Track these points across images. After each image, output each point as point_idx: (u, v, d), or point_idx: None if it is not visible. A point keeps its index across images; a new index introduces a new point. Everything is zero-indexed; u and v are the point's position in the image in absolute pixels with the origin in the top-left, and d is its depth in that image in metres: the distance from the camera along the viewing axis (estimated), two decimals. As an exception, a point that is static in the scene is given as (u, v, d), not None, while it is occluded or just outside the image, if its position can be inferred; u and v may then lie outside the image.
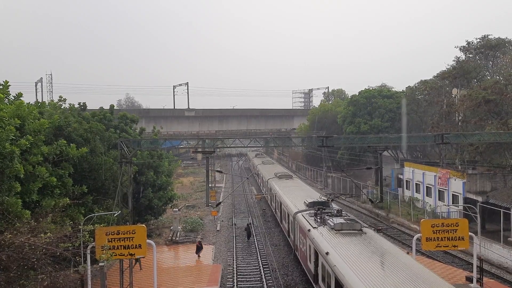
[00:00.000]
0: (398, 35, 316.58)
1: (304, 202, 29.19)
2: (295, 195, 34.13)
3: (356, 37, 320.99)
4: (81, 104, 29.84)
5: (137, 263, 24.40)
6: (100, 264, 17.67)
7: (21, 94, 19.67)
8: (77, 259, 16.30)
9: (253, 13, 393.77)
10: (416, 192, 46.90)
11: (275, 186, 41.18)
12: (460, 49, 54.31)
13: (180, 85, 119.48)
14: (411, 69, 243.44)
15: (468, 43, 53.57)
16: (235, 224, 40.95)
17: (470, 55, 54.04)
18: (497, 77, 47.41)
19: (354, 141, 30.16)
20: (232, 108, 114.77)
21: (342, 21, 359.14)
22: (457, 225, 19.82)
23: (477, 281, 21.10)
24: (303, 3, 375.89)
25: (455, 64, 53.09)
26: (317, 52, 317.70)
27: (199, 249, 30.13)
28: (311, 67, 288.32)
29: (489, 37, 52.60)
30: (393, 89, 72.83)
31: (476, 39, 53.35)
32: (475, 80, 50.93)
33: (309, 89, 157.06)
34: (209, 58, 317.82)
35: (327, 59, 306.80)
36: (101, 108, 31.30)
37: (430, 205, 41.88)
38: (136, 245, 17.96)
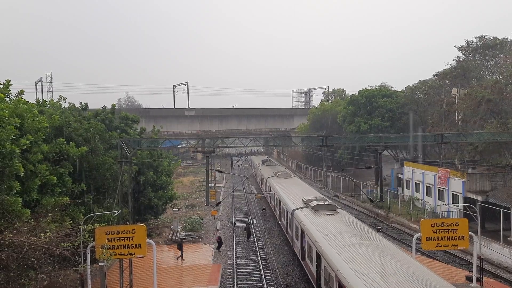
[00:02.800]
0: (398, 37, 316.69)
1: None
2: (377, 265, 15.61)
3: (357, 41, 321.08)
4: (83, 104, 29.88)
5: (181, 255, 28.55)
6: (100, 263, 17.66)
7: (23, 91, 19.64)
8: (77, 259, 16.27)
9: (255, 18, 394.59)
10: (416, 191, 46.87)
11: (318, 235, 21.01)
12: (459, 48, 54.39)
13: (180, 84, 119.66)
14: (410, 71, 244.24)
15: (468, 42, 53.66)
16: (235, 224, 40.91)
17: (469, 55, 54.10)
18: (497, 77, 47.40)
19: (354, 140, 30.19)
20: (232, 107, 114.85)
21: (342, 26, 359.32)
22: (457, 224, 19.79)
23: (477, 281, 21.08)
24: (304, 10, 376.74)
25: (455, 64, 53.10)
26: (318, 55, 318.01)
27: (220, 244, 31.91)
28: (311, 68, 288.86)
29: (485, 37, 52.65)
30: (392, 89, 72.81)
31: (475, 37, 53.53)
32: (474, 80, 50.94)
33: (309, 89, 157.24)
34: (210, 59, 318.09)
35: (327, 61, 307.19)
36: (104, 107, 31.32)
37: (430, 204, 41.85)
38: (136, 244, 17.94)
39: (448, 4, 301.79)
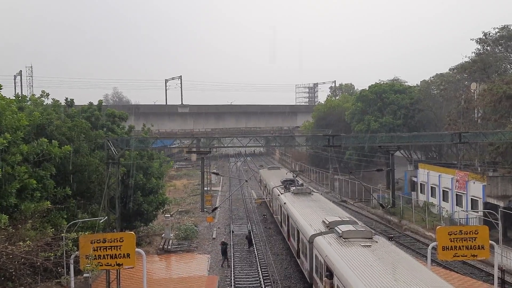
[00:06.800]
0: (398, 37, 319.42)
1: None
2: None
3: (357, 41, 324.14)
4: (68, 100, 29.88)
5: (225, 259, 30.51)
6: (85, 275, 17.64)
7: (0, 86, 19.62)
8: (59, 270, 16.25)
9: (255, 18, 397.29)
10: (431, 196, 46.90)
11: None
12: (477, 41, 54.21)
13: (173, 78, 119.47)
14: (425, 66, 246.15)
15: (485, 34, 53.47)
16: (232, 232, 40.90)
17: (487, 47, 53.99)
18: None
19: (363, 140, 30.14)
20: (229, 104, 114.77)
21: (342, 26, 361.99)
22: (476, 232, 19.77)
23: (498, 294, 21.08)
24: (304, 10, 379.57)
25: (474, 57, 53.03)
26: (318, 55, 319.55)
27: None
28: (311, 68, 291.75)
29: (509, 27, 52.52)
30: (406, 84, 72.76)
31: (495, 28, 53.28)
32: (495, 74, 50.91)
33: (314, 84, 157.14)
34: (210, 59, 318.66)
35: (327, 61, 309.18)
36: (91, 103, 31.34)
37: (446, 210, 41.86)
38: (124, 254, 17.91)
39: (448, 4, 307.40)
